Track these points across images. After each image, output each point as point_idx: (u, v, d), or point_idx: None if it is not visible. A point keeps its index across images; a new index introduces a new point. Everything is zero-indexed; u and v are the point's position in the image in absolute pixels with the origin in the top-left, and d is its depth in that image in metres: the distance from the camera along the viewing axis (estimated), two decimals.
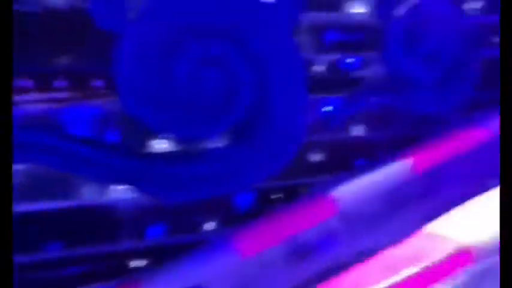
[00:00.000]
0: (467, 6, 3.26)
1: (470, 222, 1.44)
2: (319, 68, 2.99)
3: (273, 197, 2.97)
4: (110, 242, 2.60)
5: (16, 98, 2.10)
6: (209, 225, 2.79)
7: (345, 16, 2.98)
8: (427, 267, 1.29)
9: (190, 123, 2.53)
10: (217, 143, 2.65)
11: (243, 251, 2.38)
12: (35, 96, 2.46)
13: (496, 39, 3.43)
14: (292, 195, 2.93)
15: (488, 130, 2.91)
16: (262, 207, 2.81)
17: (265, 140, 2.65)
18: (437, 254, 1.33)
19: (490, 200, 1.56)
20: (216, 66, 2.55)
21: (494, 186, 2.35)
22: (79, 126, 2.51)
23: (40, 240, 2.48)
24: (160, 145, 2.65)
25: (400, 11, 2.95)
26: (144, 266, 2.64)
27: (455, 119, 3.13)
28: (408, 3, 2.97)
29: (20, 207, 2.23)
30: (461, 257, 1.33)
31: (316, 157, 3.10)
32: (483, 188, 2.62)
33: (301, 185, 3.04)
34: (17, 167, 2.06)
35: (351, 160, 3.12)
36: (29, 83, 2.44)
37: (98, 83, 2.59)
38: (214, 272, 2.33)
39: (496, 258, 1.38)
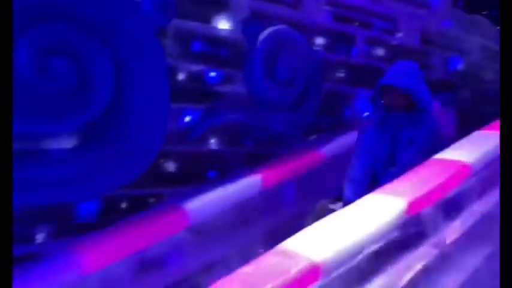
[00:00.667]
0: (316, 42, 3.64)
1: (319, 240, 1.58)
2: (182, 77, 2.95)
3: (120, 207, 2.78)
4: None
5: None
6: (46, 236, 2.46)
7: (212, 29, 3.01)
8: (283, 284, 1.36)
9: (34, 118, 2.20)
10: (65, 144, 2.36)
11: (85, 266, 2.16)
12: None
13: (335, 75, 3.91)
14: (141, 206, 2.79)
15: (324, 153, 3.28)
16: (107, 218, 2.60)
17: (120, 146, 2.47)
18: (291, 270, 1.41)
19: (335, 219, 1.73)
20: (70, 59, 2.28)
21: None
22: None
23: None
24: None
25: (263, 35, 3.12)
26: None
27: (299, 141, 3.44)
28: (270, 30, 3.17)
29: None
30: (311, 273, 1.44)
31: (169, 167, 3.03)
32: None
33: (151, 195, 2.93)
34: None
35: (204, 172, 3.15)
36: None
37: None
38: None
39: (340, 271, 1.53)
